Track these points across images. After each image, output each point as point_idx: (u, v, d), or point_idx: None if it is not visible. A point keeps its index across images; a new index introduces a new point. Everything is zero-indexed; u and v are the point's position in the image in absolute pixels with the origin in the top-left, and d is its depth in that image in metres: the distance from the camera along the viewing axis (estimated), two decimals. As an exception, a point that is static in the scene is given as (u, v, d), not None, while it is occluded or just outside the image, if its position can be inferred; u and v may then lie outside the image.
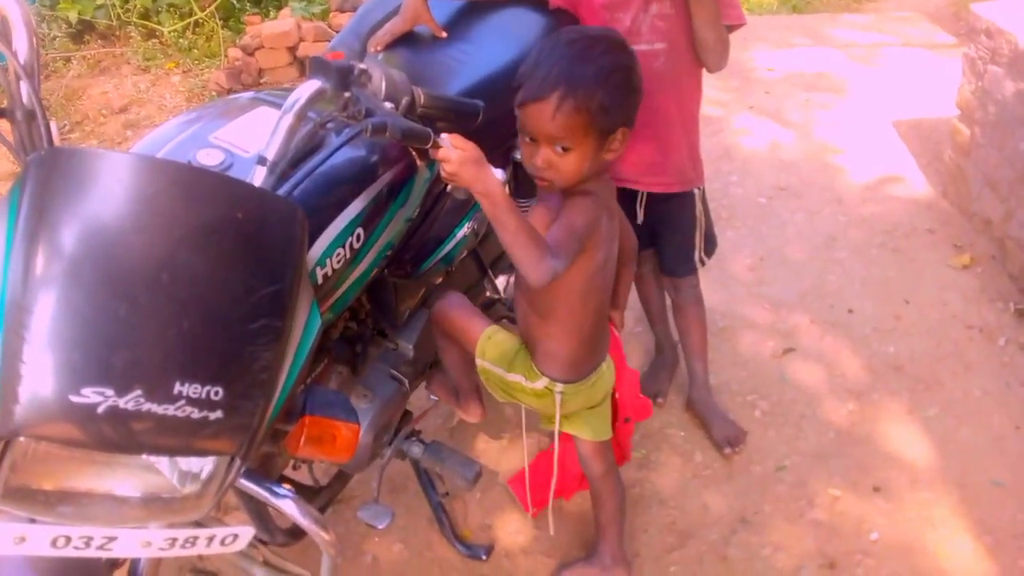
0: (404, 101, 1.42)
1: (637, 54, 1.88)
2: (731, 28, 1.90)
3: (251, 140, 1.37)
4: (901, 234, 3.12)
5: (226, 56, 4.80)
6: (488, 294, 2.25)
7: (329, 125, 1.38)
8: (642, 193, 2.07)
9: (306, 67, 4.65)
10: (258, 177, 1.22)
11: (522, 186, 2.16)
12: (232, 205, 1.04)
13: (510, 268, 2.40)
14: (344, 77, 1.30)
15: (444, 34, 1.95)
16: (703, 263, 2.23)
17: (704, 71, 1.99)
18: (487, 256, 2.20)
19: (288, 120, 1.26)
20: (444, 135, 1.37)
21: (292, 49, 4.69)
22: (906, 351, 2.60)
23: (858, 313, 2.77)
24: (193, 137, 1.38)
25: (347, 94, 1.31)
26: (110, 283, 0.95)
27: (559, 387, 1.67)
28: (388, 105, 1.37)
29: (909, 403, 2.41)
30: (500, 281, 2.28)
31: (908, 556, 2.00)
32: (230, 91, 4.62)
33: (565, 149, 1.45)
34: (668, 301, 2.39)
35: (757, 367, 2.57)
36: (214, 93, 4.60)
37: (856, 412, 2.39)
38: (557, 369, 1.66)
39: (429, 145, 1.37)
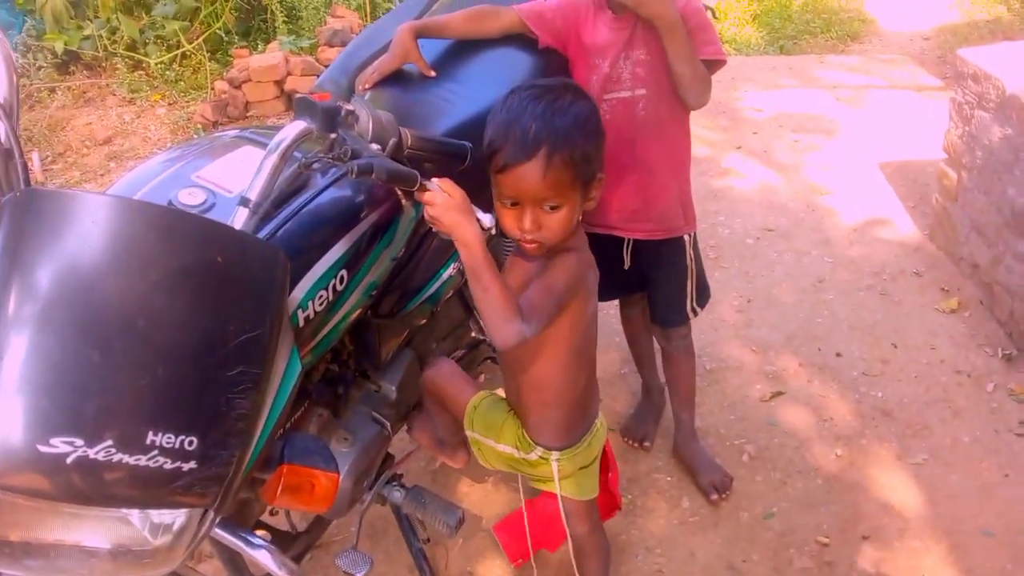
0: (391, 142, 1.40)
1: (617, 101, 1.90)
2: (712, 66, 1.87)
3: (234, 180, 1.34)
4: (888, 277, 3.12)
5: (213, 89, 4.80)
6: (473, 334, 2.21)
7: (315, 166, 1.36)
8: (628, 239, 2.04)
9: (293, 102, 4.66)
10: (240, 218, 1.19)
11: (509, 226, 2.15)
12: (212, 249, 1.02)
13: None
14: (331, 118, 1.29)
15: (433, 73, 1.93)
16: (695, 313, 2.17)
17: (691, 113, 1.98)
18: (472, 296, 2.17)
19: (272, 160, 1.24)
20: (435, 179, 1.34)
21: (279, 83, 4.70)
22: (894, 396, 2.58)
23: (846, 356, 2.75)
24: (175, 176, 1.36)
25: (333, 135, 1.30)
26: (83, 328, 0.93)
27: (555, 456, 1.59)
28: (375, 146, 1.35)
29: (898, 449, 2.39)
30: (485, 322, 2.26)
31: (898, 607, 1.97)
32: (216, 124, 4.61)
33: (554, 208, 1.38)
34: (656, 346, 2.36)
35: (745, 411, 2.55)
36: (199, 126, 4.58)
37: (845, 458, 2.37)
38: (552, 437, 1.59)
39: (416, 187, 1.35)
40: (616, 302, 2.36)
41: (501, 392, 1.73)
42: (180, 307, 0.97)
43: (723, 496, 2.23)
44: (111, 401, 0.91)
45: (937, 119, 3.40)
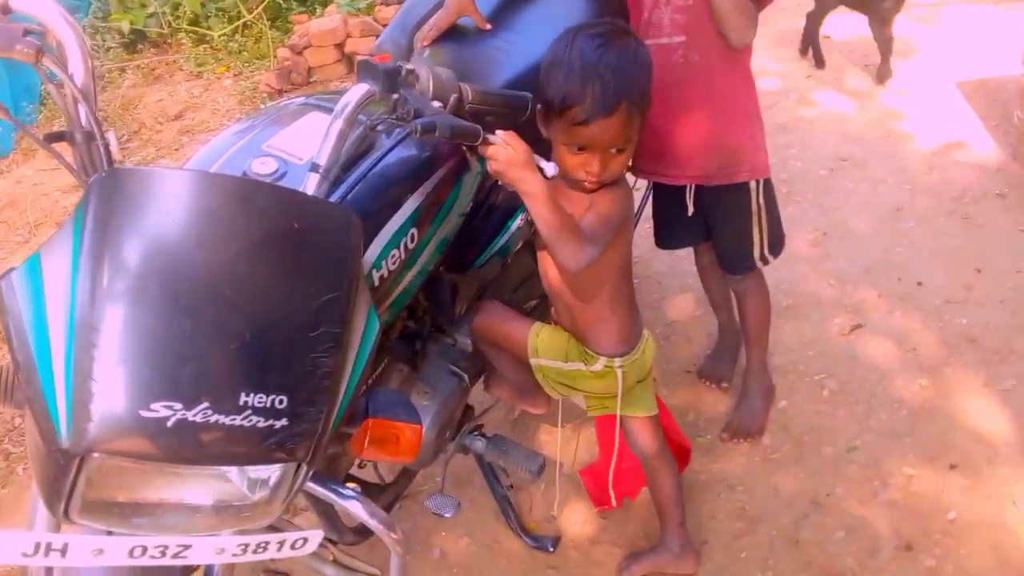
0: (452, 99, 1.42)
1: (657, 48, 1.86)
2: (760, 2, 1.82)
3: (303, 146, 1.37)
4: (970, 200, 3.01)
5: (275, 57, 4.86)
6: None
7: (379, 127, 1.39)
8: (690, 186, 2.01)
9: (354, 63, 4.69)
10: (312, 184, 1.23)
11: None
12: (288, 216, 1.06)
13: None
14: (392, 79, 1.31)
15: (488, 26, 1.93)
16: (766, 262, 2.13)
17: (755, 45, 1.93)
18: (542, 246, 2.19)
19: (339, 125, 1.27)
20: (499, 132, 1.37)
21: (339, 46, 4.72)
22: (979, 322, 2.51)
23: (928, 285, 2.68)
24: (247, 147, 1.40)
25: (395, 96, 1.32)
26: (174, 299, 0.97)
27: (618, 362, 1.69)
28: (436, 104, 1.37)
29: (985, 376, 2.33)
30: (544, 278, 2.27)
31: (988, 534, 1.94)
32: (281, 92, 4.68)
33: (620, 151, 1.50)
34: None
35: (825, 346, 2.52)
36: (265, 95, 4.66)
37: (929, 388, 2.33)
38: (613, 346, 1.69)
39: (479, 142, 1.37)
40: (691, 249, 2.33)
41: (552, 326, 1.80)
42: (263, 273, 1.02)
43: (736, 441, 2.24)
44: (205, 366, 0.96)
45: (1017, 32, 3.24)
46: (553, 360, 1.73)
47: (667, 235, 2.22)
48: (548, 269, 1.71)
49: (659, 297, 2.77)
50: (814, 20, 3.94)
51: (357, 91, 1.28)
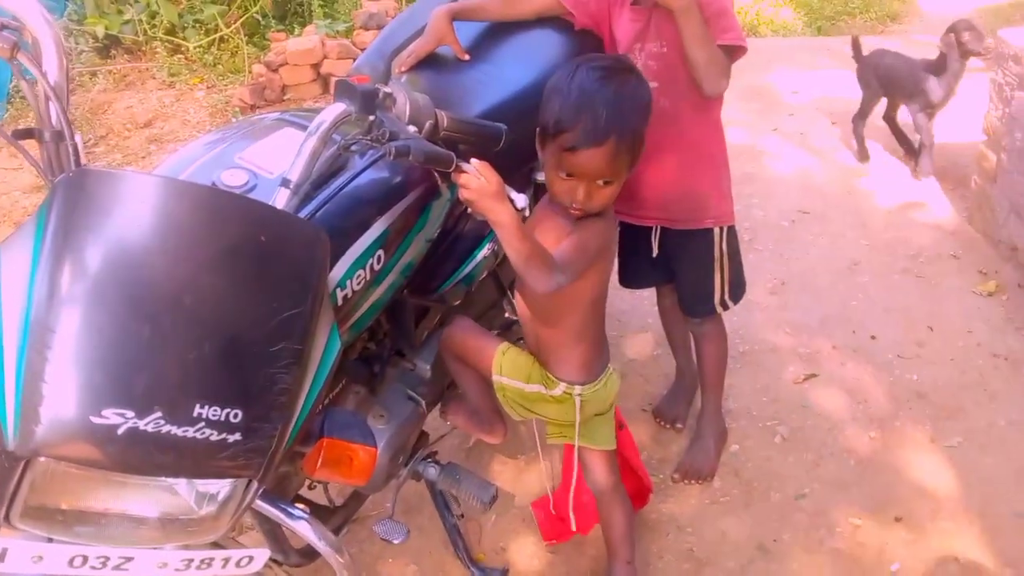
0: (427, 124, 1.42)
1: None
2: (732, 53, 1.84)
3: (275, 161, 1.37)
4: (925, 259, 3.09)
5: (250, 72, 4.86)
6: (507, 315, 2.24)
7: (353, 147, 1.39)
8: (655, 228, 2.05)
9: (329, 84, 4.70)
10: (281, 199, 1.23)
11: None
12: (255, 228, 1.05)
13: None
14: (369, 101, 1.31)
15: (467, 56, 1.95)
16: (726, 307, 2.16)
17: (726, 97, 1.96)
18: (506, 277, 2.19)
19: (312, 142, 1.27)
20: (473, 160, 1.38)
21: (316, 66, 4.74)
22: (929, 379, 2.57)
23: (881, 339, 2.74)
24: (218, 157, 1.39)
25: (371, 117, 1.32)
26: (134, 304, 0.96)
27: (578, 390, 1.70)
28: (412, 128, 1.37)
29: (932, 431, 2.38)
30: (517, 300, 2.27)
31: (930, 588, 1.97)
32: (253, 107, 4.67)
33: (607, 183, 1.51)
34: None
35: (778, 392, 2.55)
36: (237, 109, 4.65)
37: (878, 440, 2.36)
38: (574, 372, 1.70)
39: (451, 169, 1.38)
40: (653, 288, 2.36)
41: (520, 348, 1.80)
42: (225, 284, 1.01)
43: (686, 481, 2.25)
44: (160, 374, 0.95)
45: (977, 100, 3.34)
46: (515, 380, 1.73)
47: (631, 274, 2.25)
48: (520, 290, 1.72)
49: (619, 335, 2.79)
50: (862, 115, 3.87)
51: (333, 110, 1.29)
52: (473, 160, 1.40)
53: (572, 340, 1.68)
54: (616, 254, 1.71)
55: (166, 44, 5.21)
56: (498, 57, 2.01)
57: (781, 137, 4.05)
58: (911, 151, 3.77)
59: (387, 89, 1.37)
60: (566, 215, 1.57)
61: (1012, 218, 2.90)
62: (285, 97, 4.77)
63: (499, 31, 2.06)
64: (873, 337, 2.75)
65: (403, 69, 1.93)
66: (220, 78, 5.02)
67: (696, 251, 2.08)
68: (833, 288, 2.99)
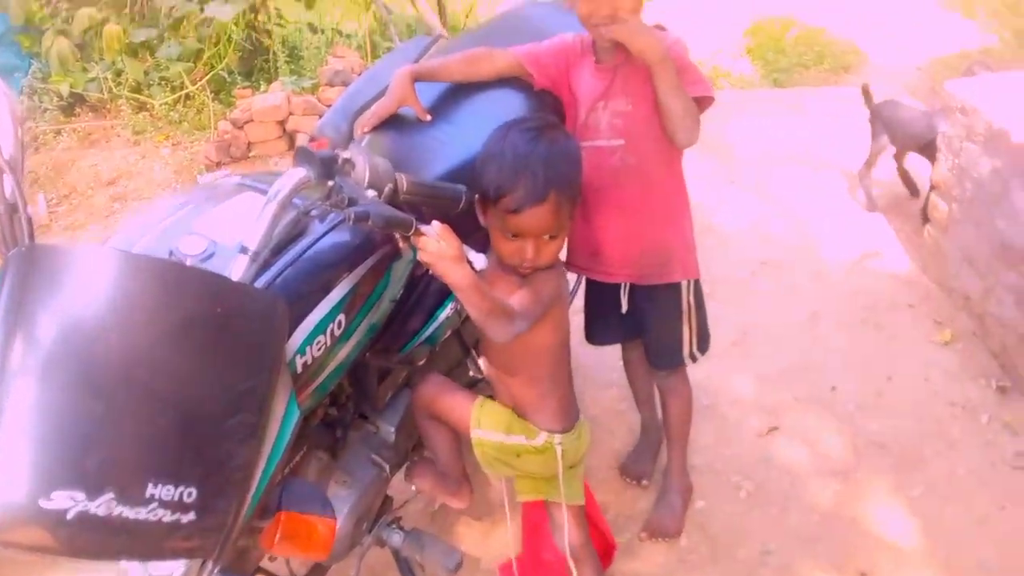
0: (387, 188, 1.44)
1: (593, 150, 1.91)
2: (700, 103, 1.88)
3: (234, 227, 1.37)
4: (882, 309, 3.14)
5: (216, 129, 4.86)
6: (471, 374, 2.24)
7: (312, 213, 1.39)
8: (624, 284, 2.07)
9: (295, 140, 4.73)
10: (239, 267, 1.22)
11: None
12: (211, 300, 1.05)
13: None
14: (328, 166, 1.32)
15: (428, 117, 1.98)
16: (695, 359, 2.18)
17: (685, 148, 2.00)
18: (470, 336, 2.20)
19: (271, 209, 1.27)
20: (434, 223, 1.40)
21: (282, 122, 4.76)
22: (890, 429, 2.59)
23: (841, 390, 2.77)
24: (177, 224, 1.39)
25: (331, 183, 1.33)
26: (86, 381, 0.95)
27: (558, 439, 1.72)
28: (371, 193, 1.39)
29: (894, 482, 2.40)
30: (483, 361, 2.27)
31: (897, 643, 1.97)
32: (219, 164, 4.67)
33: (552, 237, 1.58)
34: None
35: (742, 446, 2.56)
36: (203, 166, 4.64)
37: (841, 492, 2.38)
38: (552, 420, 1.73)
39: (411, 232, 1.39)
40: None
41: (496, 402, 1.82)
42: (181, 358, 1.00)
43: (653, 540, 2.25)
44: (112, 453, 0.94)
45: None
46: (494, 433, 1.73)
47: (598, 331, 2.26)
48: (485, 350, 1.75)
49: (583, 391, 2.79)
50: (869, 165, 3.87)
51: (292, 176, 1.30)
52: (433, 223, 1.42)
53: (547, 389, 1.72)
54: (569, 301, 1.76)
55: (131, 102, 5.20)
56: (458, 118, 2.04)
57: (738, 188, 4.12)
58: (915, 193, 3.84)
59: (346, 155, 1.38)
60: (516, 273, 1.62)
61: (964, 267, 2.97)
62: (251, 154, 4.77)
63: (461, 92, 2.08)
64: (833, 388, 2.78)
65: (365, 130, 1.95)
66: (186, 135, 5.02)
67: (665, 305, 2.10)
68: (793, 339, 3.02)
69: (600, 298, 2.15)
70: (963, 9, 6.97)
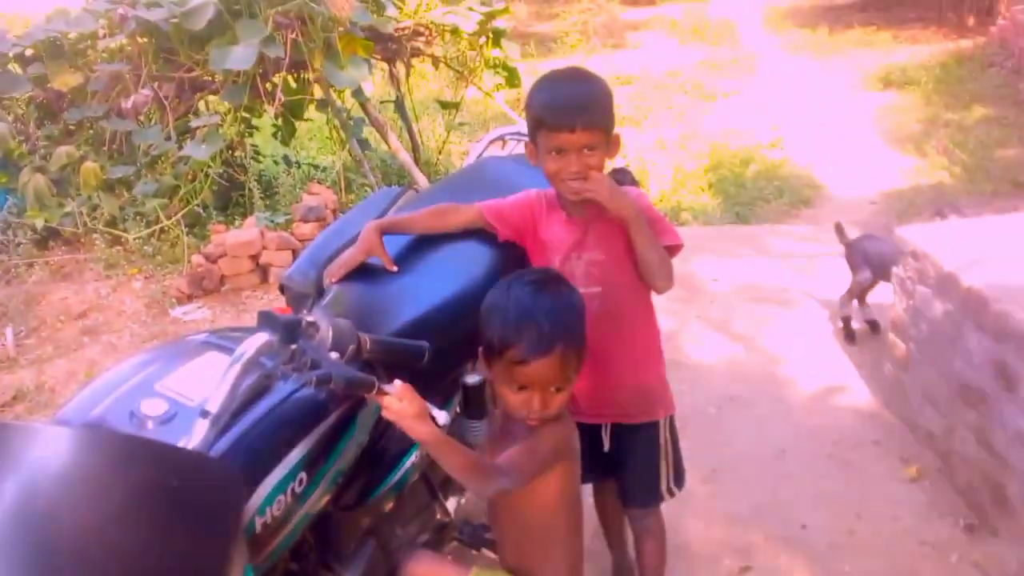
0: (350, 349, 1.47)
1: None
2: (671, 251, 1.96)
3: (197, 388, 1.39)
4: (849, 445, 3.17)
5: (189, 262, 4.91)
6: (439, 517, 2.21)
7: (276, 375, 1.42)
8: (606, 424, 2.08)
9: (268, 275, 4.79)
10: (199, 431, 1.24)
11: (472, 408, 2.19)
12: (167, 473, 1.06)
13: (461, 490, 2.39)
14: (291, 331, 1.36)
15: (395, 268, 2.03)
16: (672, 494, 2.19)
17: (652, 301, 2.06)
18: (437, 478, 2.19)
19: (234, 372, 1.30)
20: (396, 382, 1.43)
21: (255, 257, 4.82)
22: (861, 570, 2.57)
23: (812, 528, 2.76)
24: (140, 384, 1.41)
25: (293, 347, 1.36)
26: (35, 558, 0.94)
27: None
28: (334, 355, 1.42)
29: (868, 627, 2.37)
30: (451, 503, 2.25)
31: None
32: (191, 297, 4.70)
33: (558, 389, 1.59)
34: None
35: (714, 588, 2.53)
36: (174, 299, 4.67)
37: (815, 638, 2.34)
38: None
39: (374, 392, 1.42)
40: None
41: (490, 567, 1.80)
42: (135, 534, 1.00)
43: None
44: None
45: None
46: None
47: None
48: (493, 504, 1.74)
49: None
50: (850, 296, 3.95)
51: (255, 341, 1.33)
52: (396, 382, 1.45)
53: (560, 552, 1.69)
54: (579, 454, 1.75)
55: (105, 235, 5.26)
56: (425, 268, 2.10)
57: (704, 324, 4.20)
58: (876, 330, 3.91)
59: (310, 318, 1.42)
60: (523, 425, 1.62)
61: (926, 405, 3.01)
62: (223, 287, 4.81)
63: (427, 243, 2.15)
64: (804, 526, 2.76)
65: (333, 279, 2.00)
66: (158, 268, 5.06)
67: (645, 442, 2.11)
68: (762, 476, 3.03)
69: (581, 436, 2.14)
70: (913, 146, 7.33)
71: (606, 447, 2.10)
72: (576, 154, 1.85)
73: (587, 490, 2.37)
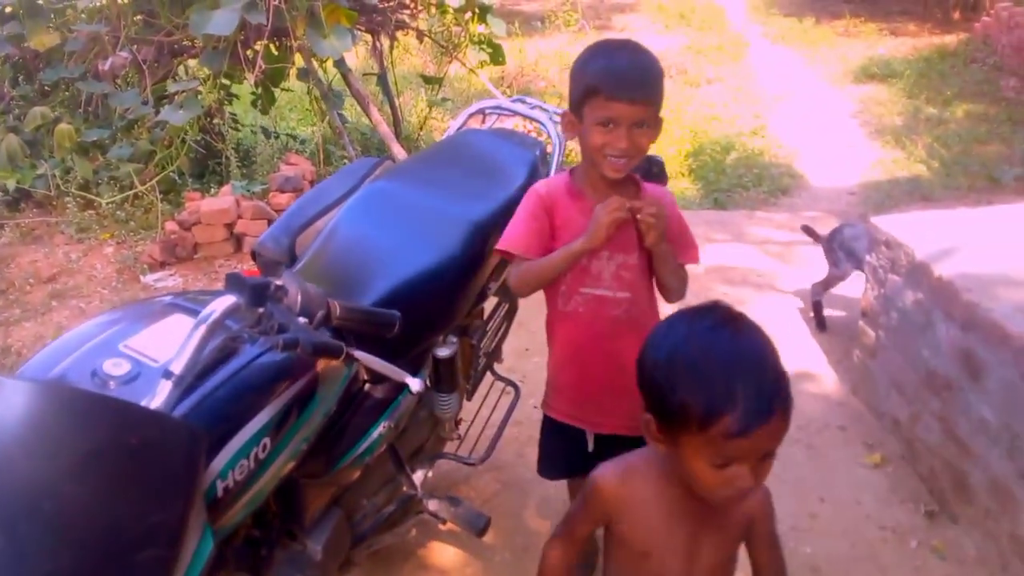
0: (319, 315, 1.46)
1: (593, 297, 1.88)
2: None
3: (161, 349, 1.37)
4: (814, 430, 3.20)
5: (163, 229, 4.86)
6: (405, 489, 2.21)
7: (242, 338, 1.40)
8: (590, 432, 2.01)
9: (243, 244, 4.74)
10: (162, 391, 1.22)
11: (443, 382, 2.19)
12: (125, 431, 1.04)
13: (428, 462, 2.39)
14: (259, 293, 1.34)
15: None
16: None
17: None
18: (404, 450, 2.19)
19: (200, 333, 1.28)
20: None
21: (229, 226, 4.77)
22: (823, 552, 2.60)
23: (776, 510, 2.77)
24: (103, 344, 1.38)
25: (261, 310, 1.35)
26: (-12, 511, 0.93)
27: None
28: (302, 320, 1.40)
29: (826, 609, 2.40)
30: (418, 476, 2.25)
31: None
32: (163, 264, 4.66)
33: (768, 454, 1.27)
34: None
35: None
36: (146, 265, 4.61)
37: (774, 618, 2.36)
38: None
39: (342, 358, 1.40)
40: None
41: None
42: (91, 490, 0.99)
43: None
44: (12, 589, 0.91)
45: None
46: None
47: (556, 467, 2.18)
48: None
49: (530, 522, 2.77)
50: (824, 286, 3.99)
51: (222, 302, 1.31)
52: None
53: None
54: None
55: (78, 199, 5.18)
56: (401, 237, 2.07)
57: (676, 306, 4.18)
58: (822, 326, 3.95)
59: (278, 282, 1.41)
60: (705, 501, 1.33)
61: (893, 392, 3.05)
62: (196, 255, 4.76)
63: (402, 215, 2.12)
64: (768, 509, 2.79)
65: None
66: (131, 234, 5.00)
67: (629, 447, 2.08)
68: (730, 458, 3.05)
69: (564, 435, 2.06)
70: (893, 139, 7.38)
71: (590, 447, 2.02)
72: (627, 129, 1.71)
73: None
